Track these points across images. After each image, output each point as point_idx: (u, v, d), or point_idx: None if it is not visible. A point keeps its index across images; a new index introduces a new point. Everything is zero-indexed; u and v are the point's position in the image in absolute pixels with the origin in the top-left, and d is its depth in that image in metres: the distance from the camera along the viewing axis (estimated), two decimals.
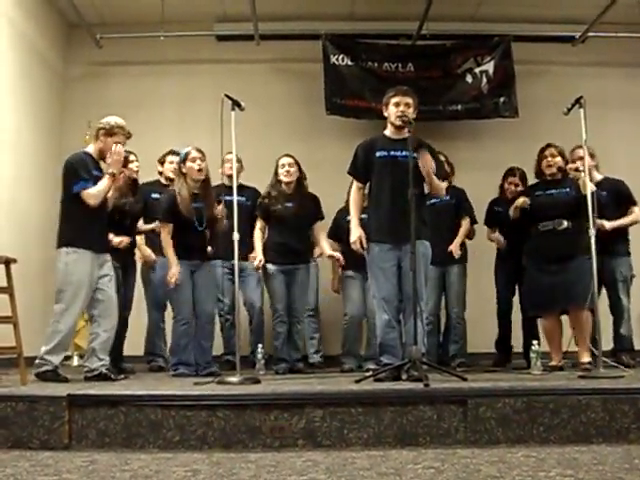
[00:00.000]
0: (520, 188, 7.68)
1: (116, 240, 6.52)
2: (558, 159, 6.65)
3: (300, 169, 7.18)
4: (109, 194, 5.99)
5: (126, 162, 6.79)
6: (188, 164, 6.51)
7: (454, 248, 7.32)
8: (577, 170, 6.38)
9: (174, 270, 6.32)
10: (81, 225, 5.74)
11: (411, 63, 9.55)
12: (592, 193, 5.86)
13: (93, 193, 5.72)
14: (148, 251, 7.28)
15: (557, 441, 4.29)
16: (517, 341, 7.78)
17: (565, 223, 6.44)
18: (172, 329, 6.60)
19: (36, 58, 8.83)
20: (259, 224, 7.10)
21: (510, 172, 7.86)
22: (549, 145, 6.76)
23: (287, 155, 7.18)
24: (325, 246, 7.16)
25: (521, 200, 6.81)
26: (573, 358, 6.67)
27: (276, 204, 7.01)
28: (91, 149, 6.00)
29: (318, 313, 8.26)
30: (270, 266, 6.97)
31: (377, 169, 5.86)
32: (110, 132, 5.93)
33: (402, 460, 3.84)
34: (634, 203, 7.31)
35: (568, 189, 6.51)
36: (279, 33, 9.67)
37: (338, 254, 7.15)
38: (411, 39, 9.64)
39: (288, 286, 7.03)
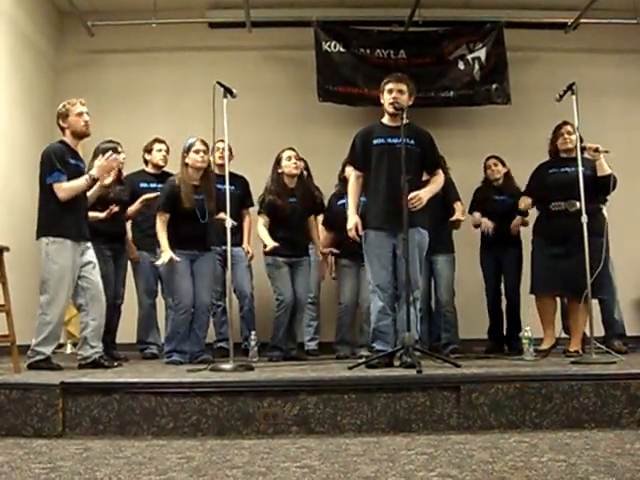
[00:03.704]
0: (500, 167, 7.73)
1: (101, 215, 6.56)
2: (574, 137, 6.60)
3: (303, 161, 7.23)
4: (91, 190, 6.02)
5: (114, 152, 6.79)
6: (191, 155, 6.49)
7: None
8: (597, 150, 6.33)
9: (164, 257, 6.32)
10: (58, 214, 5.70)
11: (403, 50, 9.53)
12: (609, 175, 5.90)
13: (64, 187, 5.68)
14: (133, 248, 7.31)
15: (549, 426, 4.32)
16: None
17: (578, 204, 6.40)
18: (168, 317, 6.58)
19: (27, 46, 8.79)
20: (262, 220, 7.00)
21: (490, 156, 7.89)
22: (565, 122, 6.73)
23: (290, 148, 7.12)
24: (319, 244, 7.35)
25: (523, 205, 6.87)
26: (564, 344, 6.70)
27: (280, 200, 6.96)
28: (65, 138, 5.94)
29: (318, 302, 8.26)
30: (276, 258, 6.93)
31: (374, 156, 5.84)
32: (65, 114, 5.89)
33: (395, 446, 3.86)
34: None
35: (583, 168, 6.43)
36: (271, 20, 9.66)
37: (329, 249, 7.35)
38: (403, 26, 9.62)
39: (292, 278, 7.03)
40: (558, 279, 6.48)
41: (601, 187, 6.28)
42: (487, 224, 7.61)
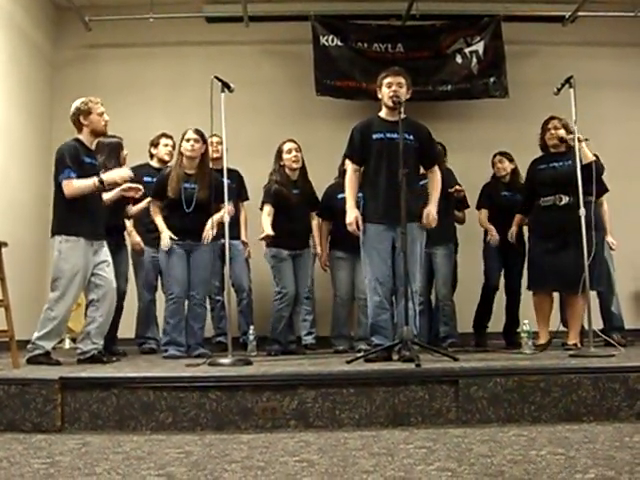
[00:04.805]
0: (507, 164, 7.72)
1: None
2: (561, 131, 6.62)
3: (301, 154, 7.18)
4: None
5: (120, 150, 6.80)
6: (183, 143, 6.53)
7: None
8: (578, 140, 6.33)
9: (164, 235, 6.46)
10: (73, 213, 5.70)
11: (401, 44, 9.52)
12: (592, 163, 5.92)
13: (72, 186, 5.66)
14: (137, 238, 7.28)
15: (548, 420, 4.33)
16: (499, 321, 7.86)
17: (566, 198, 6.42)
18: (164, 308, 6.62)
19: (24, 41, 8.78)
20: (267, 209, 6.97)
21: (497, 153, 7.88)
22: (552, 117, 6.76)
23: (291, 140, 7.13)
24: (318, 247, 7.40)
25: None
26: (562, 337, 6.71)
27: (285, 191, 6.98)
28: (82, 136, 5.94)
29: (313, 295, 8.25)
30: (282, 250, 6.93)
31: (374, 151, 5.83)
32: (87, 111, 5.87)
33: (394, 440, 3.87)
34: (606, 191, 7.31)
35: (571, 161, 6.44)
36: (268, 14, 9.64)
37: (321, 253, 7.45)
38: (401, 19, 9.60)
39: (294, 270, 7.04)
40: (553, 274, 6.48)
41: (587, 176, 6.24)
42: (494, 234, 7.59)
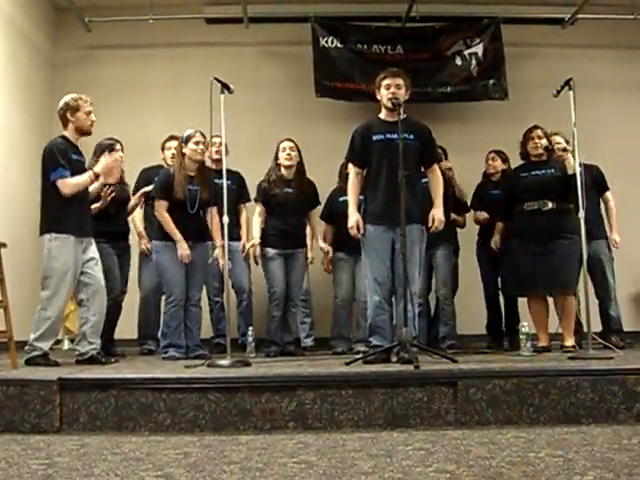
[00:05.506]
0: (498, 162, 7.75)
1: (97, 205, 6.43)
2: (544, 141, 6.65)
3: (300, 153, 7.17)
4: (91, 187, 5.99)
5: (109, 151, 6.79)
6: (190, 146, 6.49)
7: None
8: (564, 150, 6.38)
9: (185, 246, 6.38)
10: (61, 211, 5.67)
11: (400, 45, 9.52)
12: (579, 173, 5.91)
13: (69, 183, 5.65)
14: (145, 239, 7.30)
15: (547, 422, 4.33)
16: None
17: (550, 204, 6.45)
18: (164, 311, 6.61)
19: (24, 42, 8.78)
20: (258, 209, 7.08)
21: (491, 150, 7.91)
22: (536, 127, 6.76)
23: (288, 139, 7.15)
24: (320, 240, 7.47)
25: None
26: (561, 340, 6.70)
27: (276, 189, 6.99)
28: (67, 133, 5.92)
29: (310, 297, 8.25)
30: (270, 250, 6.96)
31: (374, 152, 5.83)
32: (75, 108, 5.86)
33: (393, 442, 3.87)
34: (608, 188, 7.46)
35: (553, 170, 6.53)
36: (268, 16, 9.64)
37: (328, 248, 7.47)
38: (400, 21, 9.61)
39: (286, 270, 7.03)
40: (540, 277, 6.46)
41: (573, 185, 6.24)
42: (484, 214, 7.66)
